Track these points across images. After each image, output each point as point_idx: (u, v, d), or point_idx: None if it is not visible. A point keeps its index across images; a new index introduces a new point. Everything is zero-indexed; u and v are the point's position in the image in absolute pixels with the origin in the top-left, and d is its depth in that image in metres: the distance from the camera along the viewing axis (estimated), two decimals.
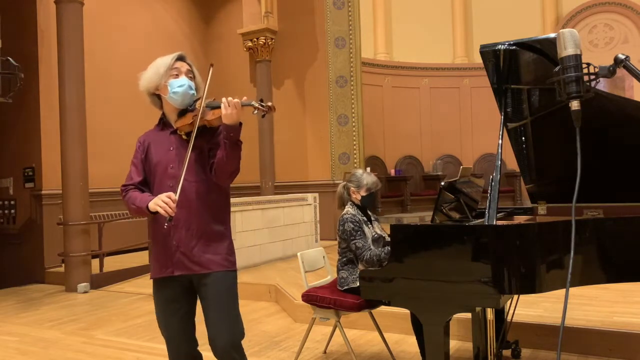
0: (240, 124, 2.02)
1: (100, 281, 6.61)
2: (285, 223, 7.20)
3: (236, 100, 1.97)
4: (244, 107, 2.00)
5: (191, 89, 2.14)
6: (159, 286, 2.17)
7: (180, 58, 2.18)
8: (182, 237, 2.09)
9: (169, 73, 2.13)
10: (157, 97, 2.20)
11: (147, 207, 2.02)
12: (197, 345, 2.25)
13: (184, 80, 2.12)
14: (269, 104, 1.99)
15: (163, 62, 2.15)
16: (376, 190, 3.31)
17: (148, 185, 2.20)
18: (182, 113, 2.16)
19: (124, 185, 2.19)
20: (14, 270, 7.65)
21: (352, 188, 3.29)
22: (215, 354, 2.13)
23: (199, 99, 2.16)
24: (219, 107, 2.00)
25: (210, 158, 2.11)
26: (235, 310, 2.15)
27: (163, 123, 2.22)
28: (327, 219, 8.62)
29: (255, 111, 1.99)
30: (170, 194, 1.99)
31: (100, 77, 8.51)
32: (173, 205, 1.96)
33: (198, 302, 2.22)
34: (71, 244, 6.46)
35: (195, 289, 2.17)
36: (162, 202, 1.96)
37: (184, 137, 2.10)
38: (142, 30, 9.41)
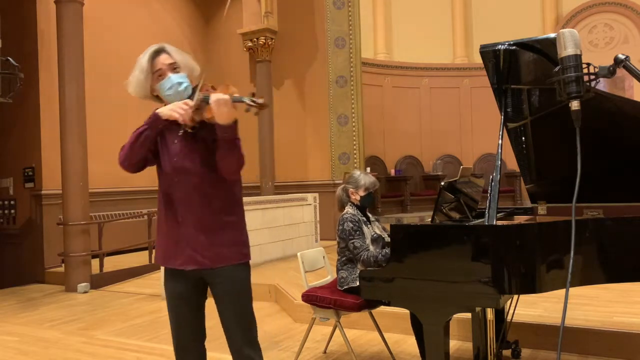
0: (236, 121, 1.93)
1: (100, 281, 6.61)
2: (285, 223, 7.20)
3: (226, 97, 1.85)
4: (236, 104, 1.88)
5: (181, 84, 2.02)
6: (170, 277, 2.13)
7: (157, 53, 2.06)
8: (190, 232, 2.03)
9: (151, 77, 2.03)
10: (157, 97, 2.11)
11: (158, 115, 1.94)
12: (204, 339, 2.20)
13: (170, 80, 2.01)
14: (261, 101, 1.87)
15: (140, 67, 2.03)
16: (375, 190, 3.32)
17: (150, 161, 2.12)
18: None
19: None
20: (14, 270, 7.65)
21: (351, 189, 3.30)
22: (231, 350, 2.12)
23: (197, 86, 2.03)
24: None
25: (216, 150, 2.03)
26: (247, 307, 2.12)
27: None
28: (327, 219, 8.61)
29: (249, 109, 1.89)
30: (188, 101, 1.93)
31: (100, 77, 8.51)
32: (190, 112, 1.89)
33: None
34: (71, 244, 6.47)
35: (206, 283, 2.13)
36: (176, 107, 1.88)
37: (189, 130, 2.01)
38: (142, 30, 9.40)
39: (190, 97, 2.01)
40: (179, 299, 2.12)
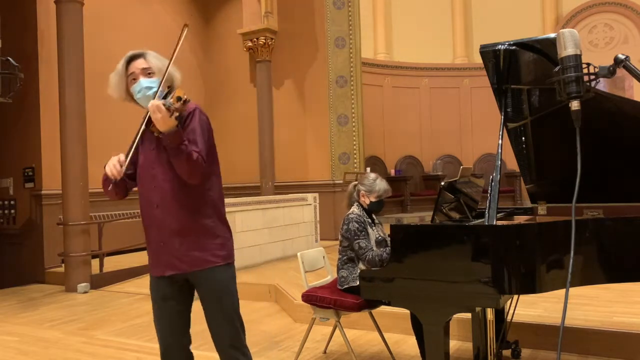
0: (178, 126, 1.91)
1: (100, 281, 6.61)
2: (285, 223, 7.20)
3: (157, 103, 1.85)
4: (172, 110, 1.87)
5: (150, 88, 2.05)
6: (155, 283, 2.17)
7: (133, 58, 2.10)
8: (166, 236, 2.07)
9: (125, 80, 2.09)
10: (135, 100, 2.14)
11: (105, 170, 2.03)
12: (189, 343, 2.22)
13: (140, 84, 2.06)
14: (177, 105, 1.85)
15: (116, 70, 2.10)
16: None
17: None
18: None
19: None
20: (14, 270, 7.65)
21: (363, 191, 3.26)
22: (218, 352, 2.14)
23: (169, 91, 2.06)
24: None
25: None
26: (231, 308, 2.12)
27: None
28: (327, 219, 8.61)
29: (172, 113, 1.87)
30: (121, 156, 1.99)
31: (100, 77, 8.48)
32: (119, 168, 1.96)
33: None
34: (71, 244, 6.46)
35: (192, 285, 2.15)
36: (111, 165, 1.97)
37: (159, 135, 2.00)
38: (142, 31, 9.40)
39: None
40: (164, 301, 2.14)
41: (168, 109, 1.85)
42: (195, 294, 2.20)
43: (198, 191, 2.08)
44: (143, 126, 2.03)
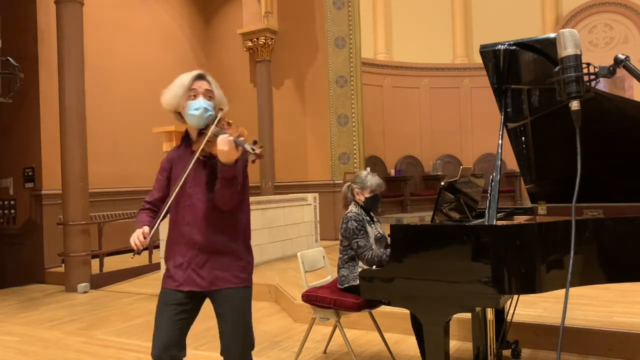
0: (237, 161, 1.99)
1: (100, 281, 6.61)
2: (285, 223, 7.20)
3: (230, 138, 1.94)
4: (239, 147, 1.95)
5: (207, 110, 2.12)
6: (167, 292, 2.19)
7: (200, 77, 2.17)
8: (192, 254, 2.13)
9: (186, 94, 2.13)
10: (179, 114, 2.19)
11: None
12: (183, 350, 2.21)
13: (200, 102, 2.11)
14: (258, 150, 1.92)
15: (181, 82, 2.15)
16: (380, 192, 3.31)
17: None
18: (201, 132, 2.15)
19: (144, 201, 2.28)
20: (14, 270, 7.65)
21: (356, 189, 3.28)
22: None
23: (216, 119, 2.13)
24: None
25: None
26: (245, 326, 2.19)
27: (186, 141, 2.24)
28: (327, 219, 8.61)
29: (247, 154, 1.95)
30: (145, 228, 2.06)
31: (100, 77, 8.51)
32: (142, 240, 2.03)
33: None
34: (71, 244, 6.47)
35: (204, 298, 2.21)
36: (134, 236, 2.04)
37: (201, 158, 2.10)
38: (142, 31, 9.41)
39: (206, 129, 2.10)
40: (172, 306, 2.15)
41: (238, 146, 1.93)
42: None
43: (229, 215, 2.16)
44: (177, 188, 2.09)
